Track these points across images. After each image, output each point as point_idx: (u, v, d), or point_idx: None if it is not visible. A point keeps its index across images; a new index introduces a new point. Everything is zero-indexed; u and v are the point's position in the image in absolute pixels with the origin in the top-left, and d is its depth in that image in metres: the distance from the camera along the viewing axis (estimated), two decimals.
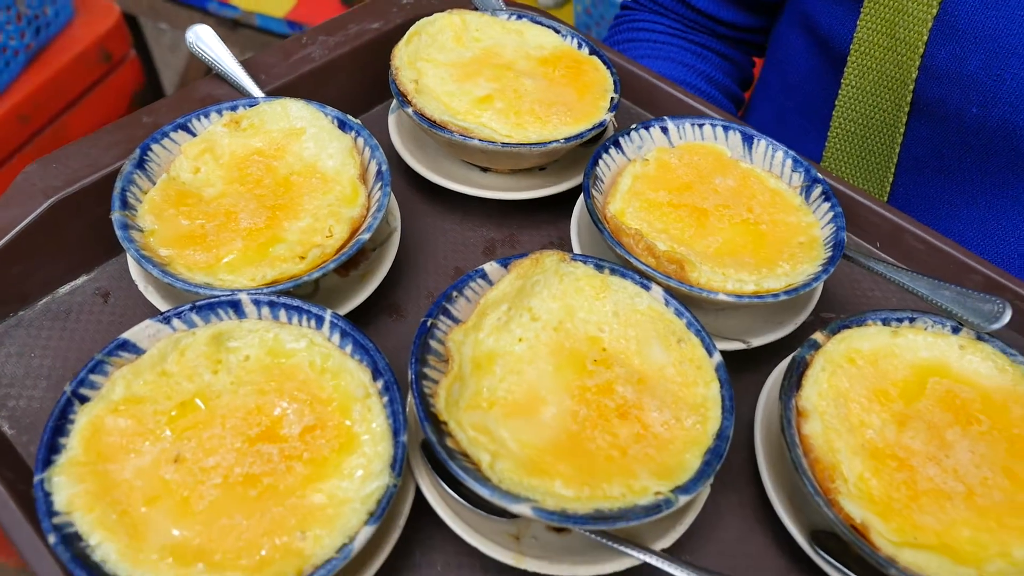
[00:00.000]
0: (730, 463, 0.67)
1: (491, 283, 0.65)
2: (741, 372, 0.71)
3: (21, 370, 0.68)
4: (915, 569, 0.52)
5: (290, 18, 2.10)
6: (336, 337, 0.61)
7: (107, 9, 1.70)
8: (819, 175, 0.75)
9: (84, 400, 0.56)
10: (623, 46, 1.06)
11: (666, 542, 0.57)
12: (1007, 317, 0.63)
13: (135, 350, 0.59)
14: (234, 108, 0.76)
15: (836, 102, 0.85)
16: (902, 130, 0.81)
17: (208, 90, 0.82)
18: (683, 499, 0.53)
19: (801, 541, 0.58)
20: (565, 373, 0.61)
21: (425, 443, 0.59)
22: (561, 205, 0.83)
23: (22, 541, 0.54)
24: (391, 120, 0.86)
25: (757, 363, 0.71)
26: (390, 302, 0.75)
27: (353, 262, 0.74)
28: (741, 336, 0.70)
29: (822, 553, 0.57)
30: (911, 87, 0.78)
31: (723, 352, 0.64)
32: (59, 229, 0.72)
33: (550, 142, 0.75)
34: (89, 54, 1.63)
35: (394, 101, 0.88)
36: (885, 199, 0.91)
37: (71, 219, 0.72)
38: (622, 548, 0.55)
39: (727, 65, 1.04)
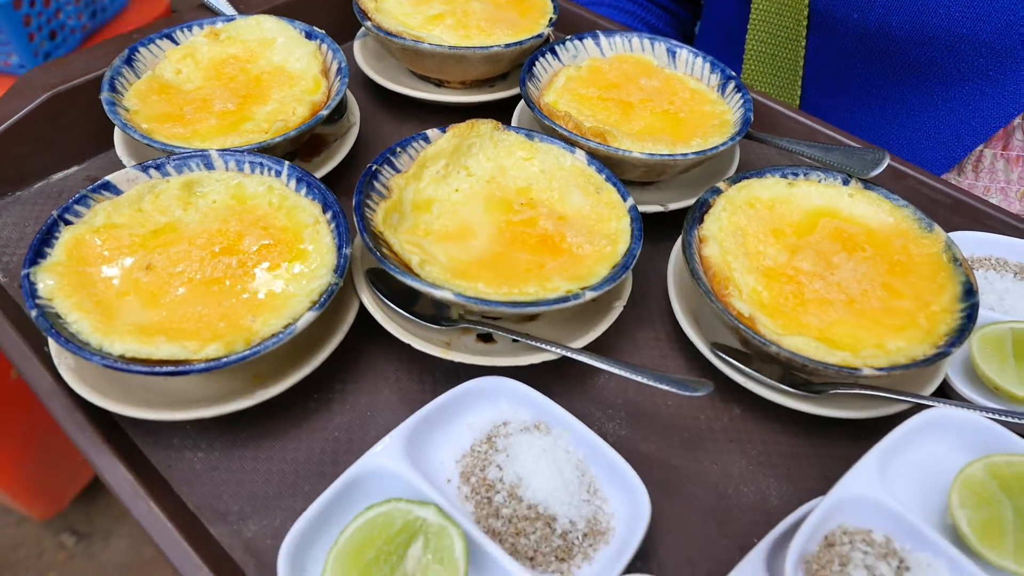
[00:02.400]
0: (648, 308, 0.74)
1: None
2: (660, 238, 0.78)
3: (16, 235, 0.76)
4: (794, 349, 0.59)
5: None
6: (293, 183, 0.69)
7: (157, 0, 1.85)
8: (733, 73, 0.84)
9: (68, 223, 0.64)
10: None
11: (580, 343, 0.64)
12: (885, 162, 0.71)
13: (115, 191, 0.67)
14: (214, 22, 0.86)
15: (748, 26, 0.95)
16: (803, 43, 0.90)
17: (194, 16, 0.92)
18: (590, 294, 0.60)
19: (704, 349, 0.65)
20: (494, 212, 0.69)
21: (370, 271, 0.67)
22: (506, 116, 0.91)
23: (7, 341, 0.62)
24: (356, 46, 0.96)
25: (675, 231, 0.78)
26: (346, 184, 0.83)
27: (315, 148, 0.82)
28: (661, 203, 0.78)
29: (719, 353, 0.64)
30: (806, 2, 0.87)
31: (644, 216, 0.71)
32: (54, 121, 0.81)
33: (492, 46, 0.84)
34: None
35: (359, 32, 0.98)
36: None
37: (66, 113, 0.81)
38: (541, 345, 0.62)
39: (668, 16, 1.15)
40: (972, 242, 0.78)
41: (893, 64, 0.85)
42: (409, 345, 0.63)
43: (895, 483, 0.56)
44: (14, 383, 1.27)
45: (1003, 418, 0.58)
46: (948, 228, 0.83)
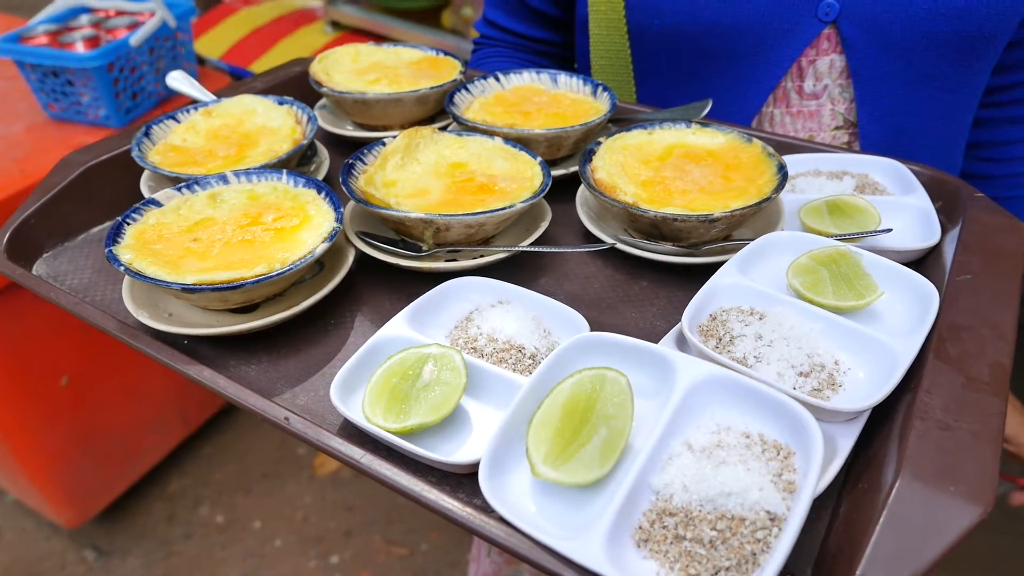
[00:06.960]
0: (569, 236, 0.98)
1: None
2: (572, 194, 1.04)
3: (71, 268, 0.96)
4: (666, 212, 0.84)
5: None
6: (291, 182, 0.93)
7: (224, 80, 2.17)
8: (601, 82, 1.15)
9: (129, 224, 0.85)
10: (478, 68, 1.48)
11: (526, 243, 0.87)
12: (709, 105, 1.00)
13: (158, 204, 0.89)
14: (206, 105, 1.12)
15: (590, 45, 1.24)
16: (629, 52, 1.19)
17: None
18: (520, 205, 0.85)
19: (608, 239, 0.90)
20: (443, 179, 0.94)
21: (358, 232, 0.90)
22: None
23: (94, 317, 0.81)
24: (316, 114, 1.23)
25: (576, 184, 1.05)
26: None
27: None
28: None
29: (620, 237, 0.88)
30: (624, 19, 1.17)
31: (559, 180, 0.97)
32: (90, 188, 1.03)
33: (420, 89, 1.13)
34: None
35: (316, 104, 1.26)
36: None
37: (99, 181, 1.04)
38: (496, 249, 0.85)
39: (553, 61, 1.46)
40: (794, 162, 1.07)
41: (689, 55, 1.14)
42: (399, 280, 0.86)
43: (755, 280, 0.80)
44: (63, 389, 1.41)
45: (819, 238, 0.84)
46: None
